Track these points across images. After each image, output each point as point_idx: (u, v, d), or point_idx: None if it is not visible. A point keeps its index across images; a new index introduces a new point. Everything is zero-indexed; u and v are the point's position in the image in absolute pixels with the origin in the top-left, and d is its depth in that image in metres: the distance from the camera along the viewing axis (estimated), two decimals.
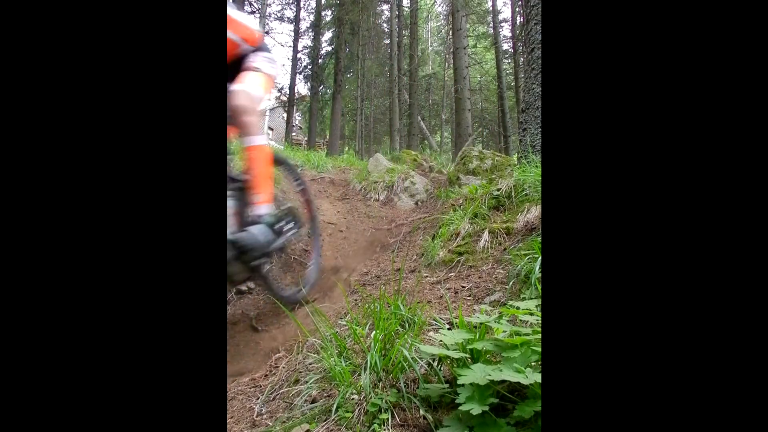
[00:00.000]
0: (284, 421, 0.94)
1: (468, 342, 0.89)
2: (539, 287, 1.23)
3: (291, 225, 1.90)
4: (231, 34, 1.66)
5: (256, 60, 1.72)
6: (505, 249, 1.63)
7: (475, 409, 0.70)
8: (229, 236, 1.50)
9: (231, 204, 1.63)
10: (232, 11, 1.63)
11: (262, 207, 1.64)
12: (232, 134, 1.70)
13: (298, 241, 2.31)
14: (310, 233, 2.25)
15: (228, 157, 1.78)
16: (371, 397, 0.88)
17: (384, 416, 0.83)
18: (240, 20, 1.68)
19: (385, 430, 0.81)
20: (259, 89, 1.63)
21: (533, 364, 0.75)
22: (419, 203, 3.98)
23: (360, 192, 4.36)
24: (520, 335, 0.82)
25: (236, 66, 1.70)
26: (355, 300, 1.72)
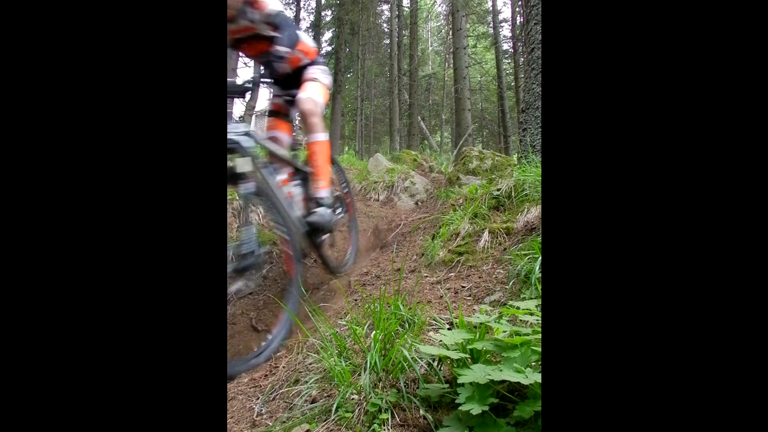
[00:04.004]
0: (284, 421, 0.94)
1: (468, 342, 0.89)
2: (539, 287, 1.23)
3: (340, 209, 2.29)
4: (299, 53, 2.09)
5: (314, 72, 2.10)
6: (505, 249, 1.63)
7: (475, 409, 0.70)
8: (305, 219, 1.92)
9: (298, 191, 2.05)
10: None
11: (323, 191, 2.01)
12: (287, 130, 2.15)
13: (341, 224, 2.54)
14: (350, 227, 2.64)
15: (294, 153, 2.17)
16: (371, 397, 0.88)
17: (384, 416, 0.83)
18: (300, 37, 2.08)
19: (385, 430, 0.81)
20: (320, 96, 2.03)
21: (533, 364, 0.75)
22: (419, 203, 3.98)
23: (360, 192, 4.36)
24: (520, 335, 0.82)
25: (297, 74, 2.11)
26: (355, 300, 1.72)
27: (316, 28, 15.65)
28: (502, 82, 15.15)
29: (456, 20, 11.27)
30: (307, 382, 1.03)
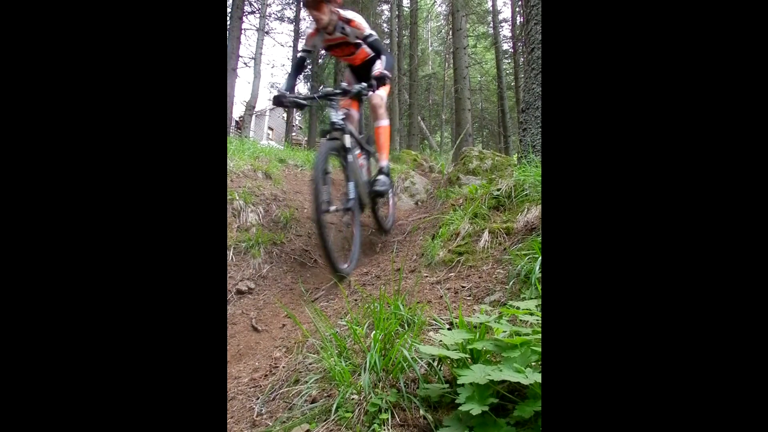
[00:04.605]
0: (284, 421, 0.94)
1: (468, 342, 0.89)
2: (539, 287, 1.23)
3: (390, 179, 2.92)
4: (368, 50, 2.78)
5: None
6: (505, 249, 1.63)
7: (475, 409, 0.70)
8: (371, 185, 2.60)
9: (366, 162, 2.76)
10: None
11: (384, 162, 2.67)
12: (356, 108, 2.75)
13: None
14: (389, 202, 3.17)
15: (363, 134, 2.81)
16: (371, 397, 0.88)
17: (384, 416, 0.83)
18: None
19: (385, 430, 0.81)
20: (384, 92, 2.70)
21: (533, 364, 0.75)
22: (419, 203, 3.97)
23: None
24: (520, 335, 0.82)
25: (367, 66, 2.79)
26: (355, 300, 1.72)
27: None
28: (502, 82, 15.15)
29: (456, 20, 11.27)
30: (307, 382, 1.03)
